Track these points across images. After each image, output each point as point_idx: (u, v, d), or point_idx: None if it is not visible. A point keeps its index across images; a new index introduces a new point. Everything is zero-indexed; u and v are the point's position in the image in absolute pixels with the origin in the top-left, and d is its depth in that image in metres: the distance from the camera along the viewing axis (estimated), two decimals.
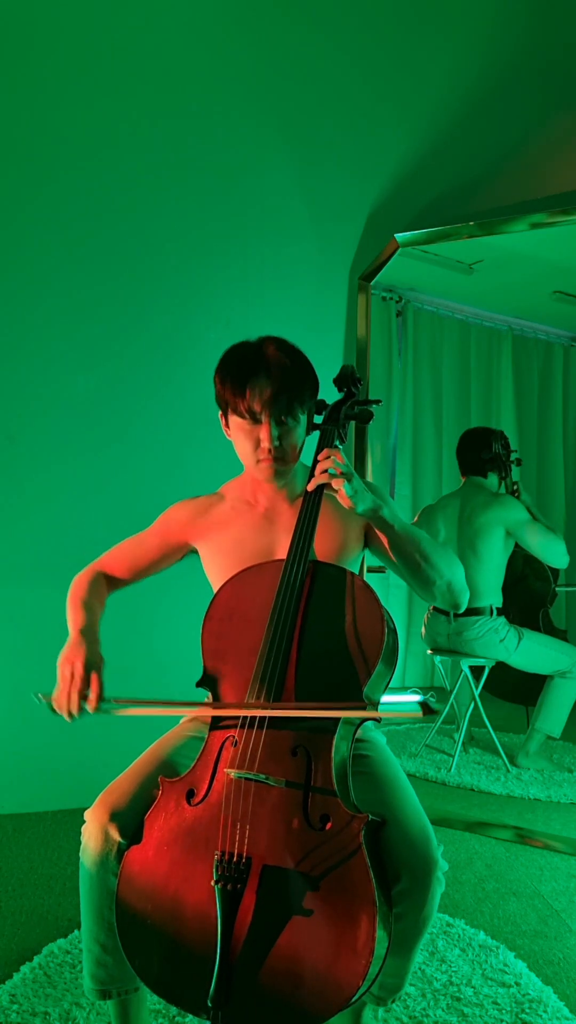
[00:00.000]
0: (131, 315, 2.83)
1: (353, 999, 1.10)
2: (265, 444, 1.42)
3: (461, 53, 2.90)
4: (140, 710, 1.30)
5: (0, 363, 2.76)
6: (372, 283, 2.94)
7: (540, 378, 3.37)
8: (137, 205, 2.80)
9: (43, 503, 2.79)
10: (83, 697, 1.30)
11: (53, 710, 1.32)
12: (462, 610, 1.48)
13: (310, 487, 1.37)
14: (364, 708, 1.26)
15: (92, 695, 1.30)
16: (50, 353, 2.78)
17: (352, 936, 1.11)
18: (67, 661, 1.34)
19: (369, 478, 3.00)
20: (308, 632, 1.30)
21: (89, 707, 1.30)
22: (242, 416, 1.42)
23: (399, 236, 2.82)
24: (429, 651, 3.17)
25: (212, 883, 1.16)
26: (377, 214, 2.96)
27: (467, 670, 3.07)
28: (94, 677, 1.32)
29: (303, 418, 1.46)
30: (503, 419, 3.32)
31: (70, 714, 1.30)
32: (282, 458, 1.44)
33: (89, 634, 1.41)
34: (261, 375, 1.40)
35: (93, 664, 1.34)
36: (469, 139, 2.92)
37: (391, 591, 3.32)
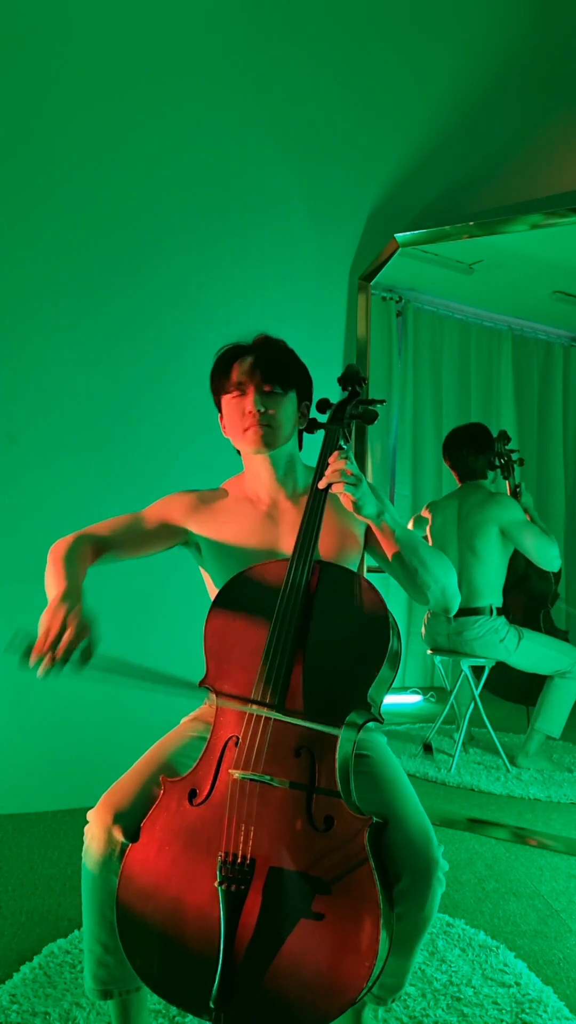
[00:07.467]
0: (131, 315, 2.83)
1: (356, 1001, 1.10)
2: (249, 408, 1.44)
3: (461, 53, 2.90)
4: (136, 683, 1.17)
5: (0, 363, 2.76)
6: (372, 283, 2.94)
7: (540, 378, 3.36)
8: (137, 205, 2.80)
9: (43, 503, 2.79)
10: (71, 648, 1.14)
11: (26, 658, 1.14)
12: (452, 613, 1.49)
13: (321, 484, 1.35)
14: (368, 710, 1.25)
15: (85, 644, 1.15)
16: (50, 353, 2.78)
17: (356, 938, 1.10)
18: (54, 612, 1.18)
19: (369, 478, 3.00)
20: (313, 633, 1.29)
21: (80, 657, 1.14)
22: (229, 392, 1.46)
23: (399, 236, 2.82)
24: (429, 651, 3.17)
25: (216, 884, 1.16)
26: (377, 214, 2.96)
27: (467, 670, 3.07)
28: (87, 627, 1.17)
29: (291, 395, 1.49)
30: (503, 419, 3.32)
31: (52, 660, 1.13)
32: (269, 424, 1.45)
33: (73, 595, 1.25)
34: (246, 352, 1.48)
35: (87, 616, 1.19)
36: (469, 139, 2.92)
37: (391, 591, 3.31)
